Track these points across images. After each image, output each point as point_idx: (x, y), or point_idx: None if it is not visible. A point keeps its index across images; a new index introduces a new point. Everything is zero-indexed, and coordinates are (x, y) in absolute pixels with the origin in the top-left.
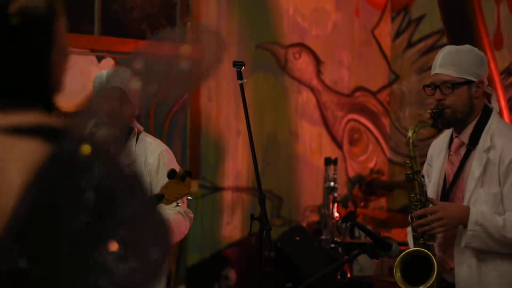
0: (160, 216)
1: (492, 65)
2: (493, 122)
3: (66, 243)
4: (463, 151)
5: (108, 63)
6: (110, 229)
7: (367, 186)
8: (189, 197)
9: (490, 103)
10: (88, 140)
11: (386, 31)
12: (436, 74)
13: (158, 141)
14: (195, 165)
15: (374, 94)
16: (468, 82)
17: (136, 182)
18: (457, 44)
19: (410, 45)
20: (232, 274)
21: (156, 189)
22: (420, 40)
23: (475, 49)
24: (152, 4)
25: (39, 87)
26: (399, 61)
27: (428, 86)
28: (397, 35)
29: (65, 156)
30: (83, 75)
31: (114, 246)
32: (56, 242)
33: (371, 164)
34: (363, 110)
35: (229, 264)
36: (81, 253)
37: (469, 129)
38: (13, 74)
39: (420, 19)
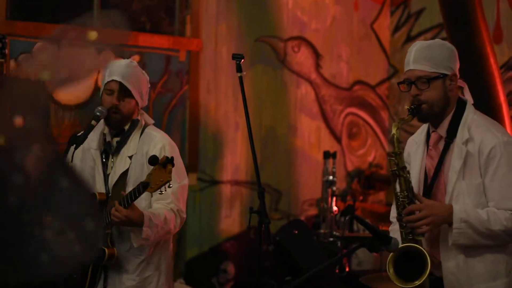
0: (87, 190)
1: (492, 60)
2: (468, 114)
3: (3, 224)
4: (441, 145)
5: (107, 55)
6: (45, 206)
7: (366, 180)
8: (170, 186)
9: (463, 95)
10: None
11: (385, 25)
12: (410, 70)
13: (163, 134)
14: (194, 158)
15: (373, 88)
16: (442, 76)
17: (60, 160)
18: (456, 39)
19: (409, 39)
20: (230, 268)
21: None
22: (420, 34)
23: (446, 42)
24: None
25: None
26: (398, 55)
27: (402, 82)
28: (396, 29)
29: None
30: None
31: (50, 221)
32: None
33: (370, 158)
34: (362, 104)
35: (227, 257)
36: (19, 231)
37: (445, 123)
38: None
39: (419, 13)
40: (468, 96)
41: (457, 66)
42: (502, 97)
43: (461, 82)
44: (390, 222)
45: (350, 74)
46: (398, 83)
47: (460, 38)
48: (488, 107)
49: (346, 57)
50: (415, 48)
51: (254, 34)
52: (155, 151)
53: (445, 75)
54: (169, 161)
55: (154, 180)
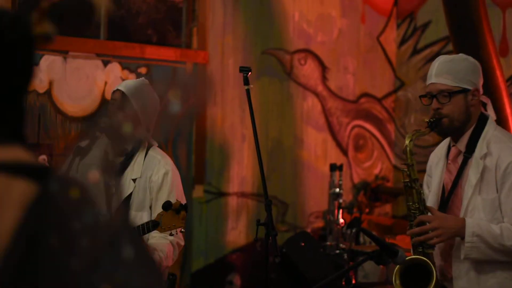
0: (153, 261)
1: (498, 72)
2: (489, 129)
3: (58, 286)
4: (460, 159)
5: (113, 68)
6: (104, 273)
7: (372, 192)
8: (183, 230)
9: (485, 111)
10: (75, 183)
11: (391, 37)
12: (432, 83)
13: (167, 159)
14: (201, 170)
15: (379, 100)
16: (464, 91)
17: (126, 226)
18: (463, 51)
19: (415, 51)
20: (236, 280)
21: (154, 208)
22: (426, 47)
23: (470, 57)
24: (158, 9)
25: (17, 121)
26: (405, 67)
27: (424, 96)
28: (403, 41)
29: (55, 198)
30: (89, 79)
31: None
32: (50, 285)
33: (376, 170)
34: (368, 116)
35: (233, 269)
36: None
37: (465, 138)
38: None
39: (425, 25)
40: (490, 112)
41: (480, 81)
42: (508, 110)
43: (484, 98)
44: (395, 234)
45: (356, 87)
46: (420, 96)
47: (466, 51)
48: (495, 120)
49: (352, 69)
50: (438, 61)
51: (260, 47)
52: (158, 176)
53: (467, 90)
54: (183, 207)
55: (165, 221)
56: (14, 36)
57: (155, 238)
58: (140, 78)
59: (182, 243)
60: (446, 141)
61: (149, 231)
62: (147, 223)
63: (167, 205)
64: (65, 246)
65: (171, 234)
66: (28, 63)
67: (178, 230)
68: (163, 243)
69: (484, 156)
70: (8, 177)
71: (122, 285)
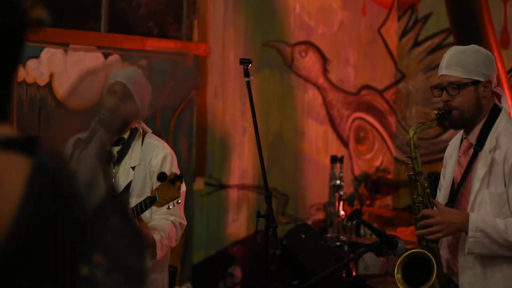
0: (135, 227)
1: (499, 64)
2: (500, 121)
3: (57, 257)
4: (471, 152)
5: (114, 60)
6: (95, 243)
7: (373, 184)
8: (179, 201)
9: (500, 103)
10: (62, 154)
11: (392, 29)
12: (442, 75)
13: (164, 144)
14: (201, 162)
15: (380, 92)
16: (475, 82)
17: (114, 195)
18: (464, 43)
19: (416, 43)
20: (237, 272)
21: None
22: (427, 39)
23: (482, 48)
24: (159, 1)
25: (6, 101)
26: (406, 59)
27: (435, 87)
28: (404, 33)
29: (49, 170)
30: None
31: (100, 259)
32: (51, 256)
33: (377, 163)
34: (369, 108)
35: (234, 261)
36: (72, 267)
37: (476, 130)
38: None
39: (426, 17)
40: (505, 104)
41: (494, 73)
42: (509, 102)
43: (499, 90)
44: (396, 226)
45: (357, 79)
46: (431, 88)
47: (467, 43)
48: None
49: (353, 61)
50: (449, 53)
51: (261, 39)
52: (157, 160)
53: (477, 82)
54: (178, 178)
55: (162, 195)
56: (6, 20)
57: (156, 220)
58: (134, 67)
59: (184, 222)
60: (460, 133)
61: (147, 207)
62: (144, 200)
63: (162, 176)
64: (61, 215)
65: (168, 208)
66: (19, 46)
67: (175, 201)
68: (163, 224)
69: (493, 149)
70: (2, 152)
71: (110, 251)
